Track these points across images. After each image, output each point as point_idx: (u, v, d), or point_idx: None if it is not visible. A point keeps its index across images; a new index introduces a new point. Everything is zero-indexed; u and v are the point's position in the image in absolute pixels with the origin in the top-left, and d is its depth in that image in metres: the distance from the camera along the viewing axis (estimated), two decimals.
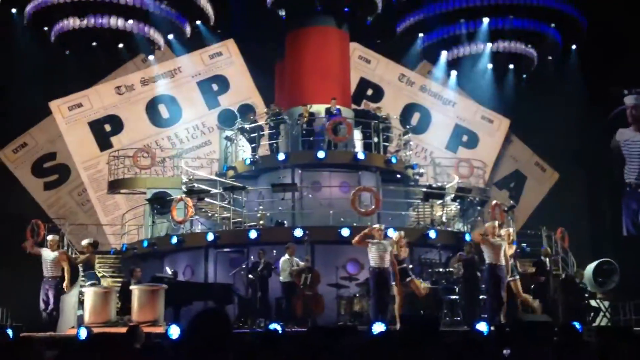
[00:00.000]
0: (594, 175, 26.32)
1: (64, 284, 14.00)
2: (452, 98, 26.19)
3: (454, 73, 25.72)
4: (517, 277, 13.95)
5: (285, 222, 17.19)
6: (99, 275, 15.53)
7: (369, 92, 25.73)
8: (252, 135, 19.36)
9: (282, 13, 21.16)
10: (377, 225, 13.78)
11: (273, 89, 23.28)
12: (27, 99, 22.81)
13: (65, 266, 13.96)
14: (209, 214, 18.32)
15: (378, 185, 18.11)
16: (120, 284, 16.17)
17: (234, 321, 14.37)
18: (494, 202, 18.63)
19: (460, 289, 14.75)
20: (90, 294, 13.58)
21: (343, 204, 17.17)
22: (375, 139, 19.19)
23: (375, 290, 13.25)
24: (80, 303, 14.62)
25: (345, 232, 15.96)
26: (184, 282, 16.28)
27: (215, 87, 25.25)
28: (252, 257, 15.77)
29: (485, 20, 22.83)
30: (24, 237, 17.66)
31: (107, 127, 24.31)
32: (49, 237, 14.53)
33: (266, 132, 19.58)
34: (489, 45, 23.39)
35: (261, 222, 17.07)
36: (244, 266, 15.76)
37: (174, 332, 10.64)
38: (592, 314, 16.53)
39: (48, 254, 14.10)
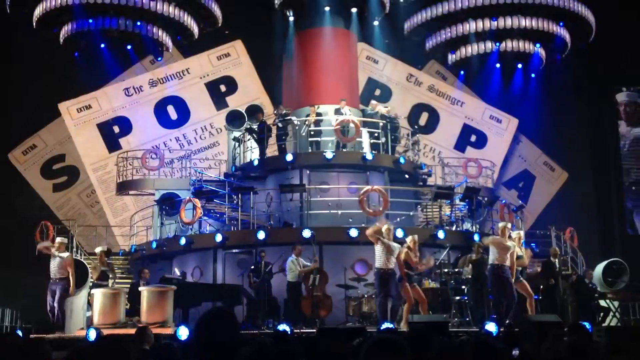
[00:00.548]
0: (602, 174, 26.26)
1: (70, 289, 13.97)
2: (460, 98, 26.15)
3: (462, 73, 25.71)
4: (522, 279, 13.81)
5: (293, 223, 17.19)
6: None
7: (377, 92, 25.72)
8: (260, 136, 19.38)
9: (290, 14, 21.19)
10: (386, 225, 13.64)
11: (281, 89, 23.29)
12: (36, 101, 22.92)
13: (70, 270, 13.91)
14: (218, 215, 18.34)
15: (386, 186, 18.08)
16: (129, 285, 16.21)
17: (242, 322, 14.39)
18: (502, 201, 18.61)
19: (469, 289, 14.70)
20: (99, 295, 13.60)
21: (351, 204, 17.15)
22: (384, 140, 19.16)
23: (380, 291, 13.17)
24: (89, 304, 14.66)
25: (353, 232, 15.94)
26: (193, 283, 16.29)
27: (223, 88, 25.31)
28: (258, 258, 15.79)
29: (493, 19, 22.80)
30: (34, 239, 17.78)
31: (116, 129, 24.40)
32: (57, 240, 14.51)
33: (274, 132, 19.59)
34: (497, 44, 23.36)
35: (269, 222, 17.08)
36: (252, 267, 15.78)
37: (183, 333, 10.66)
38: (601, 314, 16.46)
39: (53, 258, 14.12)
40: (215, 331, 3.37)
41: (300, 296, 14.84)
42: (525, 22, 22.86)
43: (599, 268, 18.02)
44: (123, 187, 21.05)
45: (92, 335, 10.73)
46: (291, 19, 21.19)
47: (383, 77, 26.04)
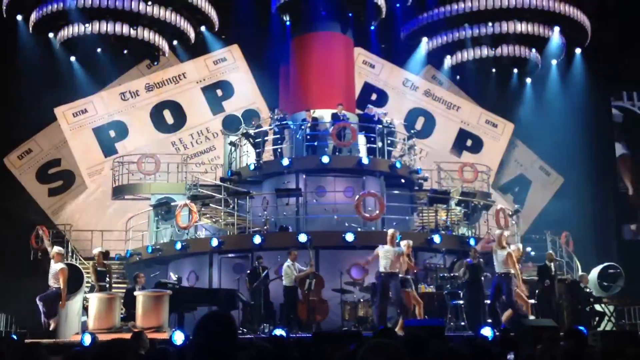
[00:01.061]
0: (597, 178, 26.28)
1: (60, 303, 13.78)
2: (456, 102, 26.19)
3: (457, 77, 25.75)
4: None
5: (289, 227, 17.20)
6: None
7: (373, 96, 25.74)
8: (256, 140, 19.39)
9: (287, 18, 21.22)
10: (391, 230, 13.69)
11: (277, 94, 23.31)
12: (32, 105, 22.88)
13: (61, 283, 13.65)
14: (214, 220, 18.33)
15: (382, 190, 18.10)
16: (124, 290, 16.16)
17: (238, 327, 14.37)
18: (498, 206, 18.62)
19: (465, 293, 14.72)
20: (94, 300, 13.57)
21: (347, 209, 17.16)
22: (380, 144, 19.18)
23: (379, 295, 13.19)
24: (84, 309, 14.62)
25: (349, 237, 15.95)
26: (189, 288, 16.27)
27: (219, 92, 25.31)
28: (255, 263, 15.78)
29: (489, 25, 22.85)
30: (29, 244, 17.76)
31: (112, 133, 24.36)
32: (54, 249, 14.31)
33: (270, 137, 19.60)
34: (493, 49, 23.40)
35: (265, 227, 17.08)
36: (248, 272, 15.76)
37: (179, 338, 10.64)
38: (597, 318, 16.48)
39: (51, 265, 14.09)
40: (213, 335, 3.36)
41: (296, 301, 14.83)
42: (521, 27, 22.91)
43: (594, 272, 18.05)
44: (119, 192, 21.01)
45: (87, 340, 10.71)
46: (288, 23, 21.22)
47: (379, 81, 26.07)
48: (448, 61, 24.68)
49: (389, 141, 19.56)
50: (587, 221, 24.43)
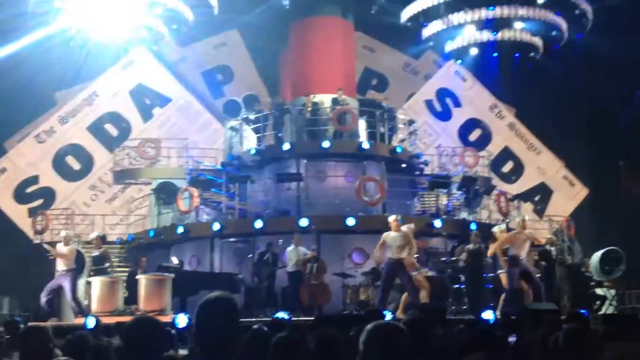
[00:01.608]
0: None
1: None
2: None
3: (458, 62, 25.59)
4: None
5: (290, 209, 17.21)
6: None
7: (374, 81, 25.66)
8: (257, 125, 19.36)
9: (286, 2, 21.12)
10: (392, 216, 13.54)
11: (278, 79, 23.22)
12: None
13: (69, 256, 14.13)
14: (214, 204, 18.34)
15: (383, 175, 18.10)
16: (126, 274, 16.23)
17: (240, 310, 14.42)
18: (498, 190, 18.63)
19: (466, 278, 14.76)
20: (97, 283, 13.66)
21: (348, 193, 17.17)
22: (381, 129, 19.15)
23: (383, 280, 13.14)
24: (86, 294, 14.71)
25: (350, 221, 15.98)
26: (191, 272, 16.32)
27: (220, 77, 25.22)
28: (259, 247, 15.81)
29: (490, 8, 22.70)
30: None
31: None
32: (62, 233, 14.73)
33: (271, 122, 19.57)
34: (494, 34, 23.25)
35: (267, 211, 17.09)
36: (250, 256, 15.80)
37: (181, 321, 10.70)
38: (598, 302, 16.52)
39: (61, 248, 14.28)
40: (216, 318, 3.38)
41: (299, 285, 14.90)
42: (523, 11, 22.75)
43: (596, 256, 18.05)
44: (120, 177, 21.01)
45: (91, 323, 10.76)
46: (288, 7, 21.12)
47: (380, 66, 25.95)
48: (448, 46, 24.49)
49: (389, 126, 19.54)
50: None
